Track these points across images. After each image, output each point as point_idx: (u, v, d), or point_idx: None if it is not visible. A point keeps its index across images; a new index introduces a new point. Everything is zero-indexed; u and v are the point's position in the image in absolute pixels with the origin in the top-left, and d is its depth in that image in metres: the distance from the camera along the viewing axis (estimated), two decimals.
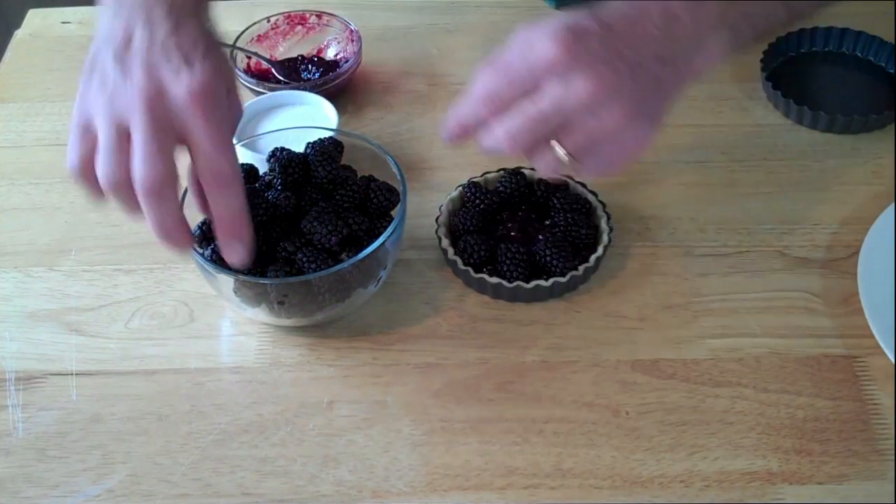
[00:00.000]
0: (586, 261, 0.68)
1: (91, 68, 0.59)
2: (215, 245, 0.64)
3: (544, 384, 0.64)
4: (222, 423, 0.62)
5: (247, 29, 0.88)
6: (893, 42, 0.85)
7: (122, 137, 0.56)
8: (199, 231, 0.64)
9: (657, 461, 0.60)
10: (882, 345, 0.63)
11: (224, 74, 0.59)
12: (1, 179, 0.80)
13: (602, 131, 0.56)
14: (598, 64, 0.55)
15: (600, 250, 0.69)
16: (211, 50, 0.58)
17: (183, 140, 0.57)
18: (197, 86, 0.56)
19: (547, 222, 0.72)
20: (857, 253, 0.69)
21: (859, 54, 0.87)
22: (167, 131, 0.56)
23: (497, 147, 0.58)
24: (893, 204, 0.71)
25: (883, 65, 0.86)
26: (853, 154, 0.79)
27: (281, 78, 0.87)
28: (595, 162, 0.58)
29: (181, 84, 0.56)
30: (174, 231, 0.57)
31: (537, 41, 0.56)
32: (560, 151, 0.57)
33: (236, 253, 0.59)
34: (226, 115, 0.58)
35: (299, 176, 0.67)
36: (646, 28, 0.57)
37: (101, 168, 0.57)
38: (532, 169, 0.74)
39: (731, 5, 0.59)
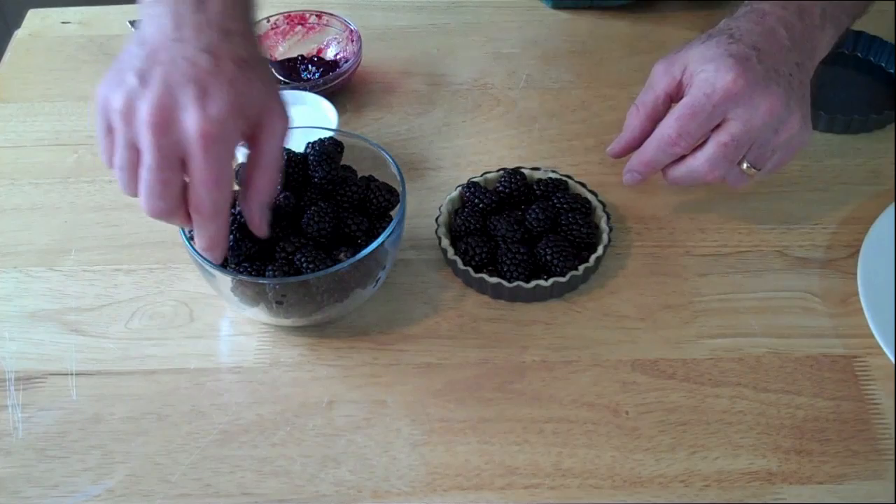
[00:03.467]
0: (586, 261, 0.68)
1: (119, 64, 0.58)
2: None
3: (544, 384, 0.64)
4: (222, 423, 0.62)
5: None
6: (893, 42, 0.85)
7: (134, 155, 0.56)
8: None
9: (657, 461, 0.60)
10: (882, 345, 0.63)
11: (243, 107, 0.56)
12: (1, 179, 0.80)
13: (783, 142, 0.65)
14: (769, 84, 0.63)
15: (600, 250, 0.69)
16: (237, 80, 0.56)
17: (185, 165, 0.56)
18: (207, 126, 0.54)
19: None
20: (856, 253, 0.69)
21: (859, 54, 0.87)
22: (172, 162, 0.55)
23: (693, 177, 0.66)
24: (893, 204, 0.72)
25: (883, 65, 0.86)
26: (853, 154, 0.79)
27: (281, 78, 0.87)
28: (772, 165, 0.67)
29: (192, 119, 0.54)
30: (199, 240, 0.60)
31: (717, 78, 0.63)
32: (745, 166, 0.65)
33: (214, 258, 0.61)
34: (231, 153, 0.57)
35: (299, 176, 0.67)
36: (779, 41, 0.65)
37: (119, 180, 0.58)
38: (533, 168, 0.74)
39: (829, 4, 0.66)
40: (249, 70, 0.57)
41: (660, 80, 0.67)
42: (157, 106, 0.54)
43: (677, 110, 0.65)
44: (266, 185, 0.60)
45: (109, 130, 0.58)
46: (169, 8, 0.57)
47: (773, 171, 0.67)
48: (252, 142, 0.59)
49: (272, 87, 0.60)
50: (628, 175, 0.70)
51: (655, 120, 0.68)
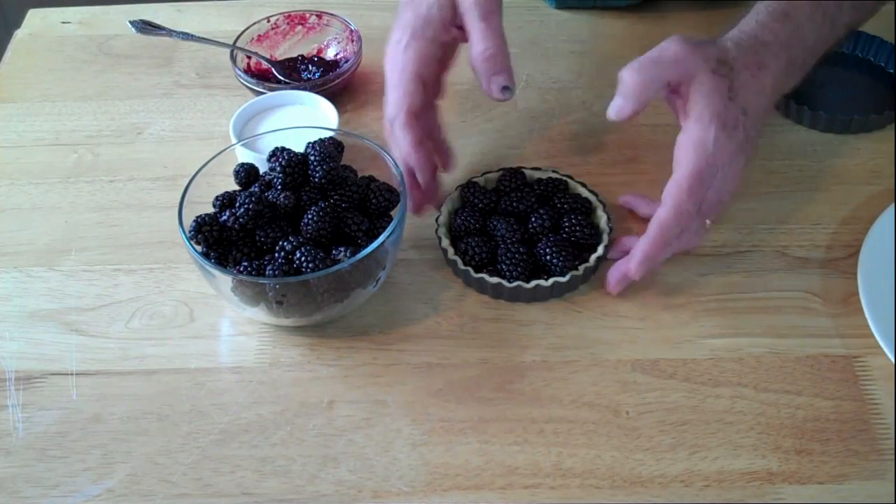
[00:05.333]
0: (586, 261, 0.68)
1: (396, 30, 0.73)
2: (213, 243, 0.64)
3: (544, 384, 0.64)
4: (222, 423, 0.62)
5: (247, 29, 0.89)
6: (893, 42, 0.85)
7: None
8: (194, 226, 0.64)
9: (657, 461, 0.60)
10: (882, 345, 0.63)
11: None
12: (1, 179, 0.80)
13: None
14: (738, 157, 0.64)
15: (600, 250, 0.69)
16: None
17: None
18: None
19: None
20: (856, 253, 0.69)
21: (859, 54, 0.87)
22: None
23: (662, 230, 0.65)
24: (893, 204, 0.72)
25: (883, 65, 0.86)
26: (853, 154, 0.79)
27: (281, 78, 0.87)
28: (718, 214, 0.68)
29: None
30: None
31: (708, 147, 0.63)
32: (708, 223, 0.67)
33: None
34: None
35: (299, 176, 0.67)
36: (765, 98, 0.65)
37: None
38: (533, 168, 0.74)
39: (792, 47, 0.66)
40: None
41: (671, 66, 0.63)
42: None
43: (684, 181, 0.63)
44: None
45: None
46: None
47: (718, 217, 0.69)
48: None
49: None
50: (634, 268, 0.66)
51: (648, 89, 0.65)
